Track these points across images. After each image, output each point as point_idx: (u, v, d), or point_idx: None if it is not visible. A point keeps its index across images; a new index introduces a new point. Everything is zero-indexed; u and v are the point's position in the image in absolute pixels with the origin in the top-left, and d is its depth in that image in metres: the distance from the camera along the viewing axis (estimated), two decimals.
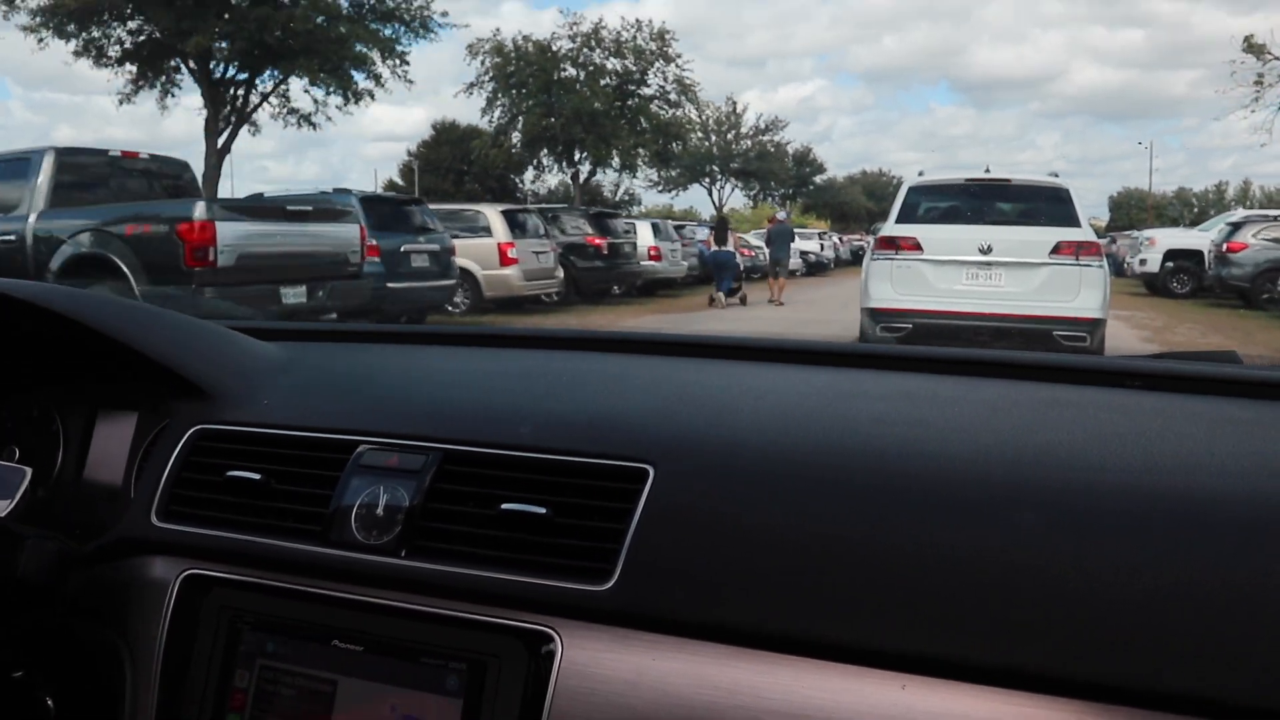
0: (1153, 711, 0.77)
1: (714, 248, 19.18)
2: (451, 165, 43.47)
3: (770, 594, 0.89)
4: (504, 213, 16.09)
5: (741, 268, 19.65)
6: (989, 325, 8.77)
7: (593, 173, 37.29)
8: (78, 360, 1.40)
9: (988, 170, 10.01)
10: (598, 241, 18.41)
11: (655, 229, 21.95)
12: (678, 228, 25.26)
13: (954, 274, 9.00)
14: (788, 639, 0.88)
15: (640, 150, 35.43)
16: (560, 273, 17.07)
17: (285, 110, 26.23)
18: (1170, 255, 21.04)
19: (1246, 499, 0.84)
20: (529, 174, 38.78)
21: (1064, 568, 0.82)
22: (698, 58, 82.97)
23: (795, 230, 23.48)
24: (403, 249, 12.20)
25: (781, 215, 21.78)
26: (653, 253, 21.21)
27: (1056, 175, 9.76)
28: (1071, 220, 9.06)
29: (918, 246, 9.12)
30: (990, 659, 0.81)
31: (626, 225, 20.33)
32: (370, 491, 1.07)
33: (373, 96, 25.91)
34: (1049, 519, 0.85)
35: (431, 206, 16.20)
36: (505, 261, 15.58)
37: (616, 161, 35.83)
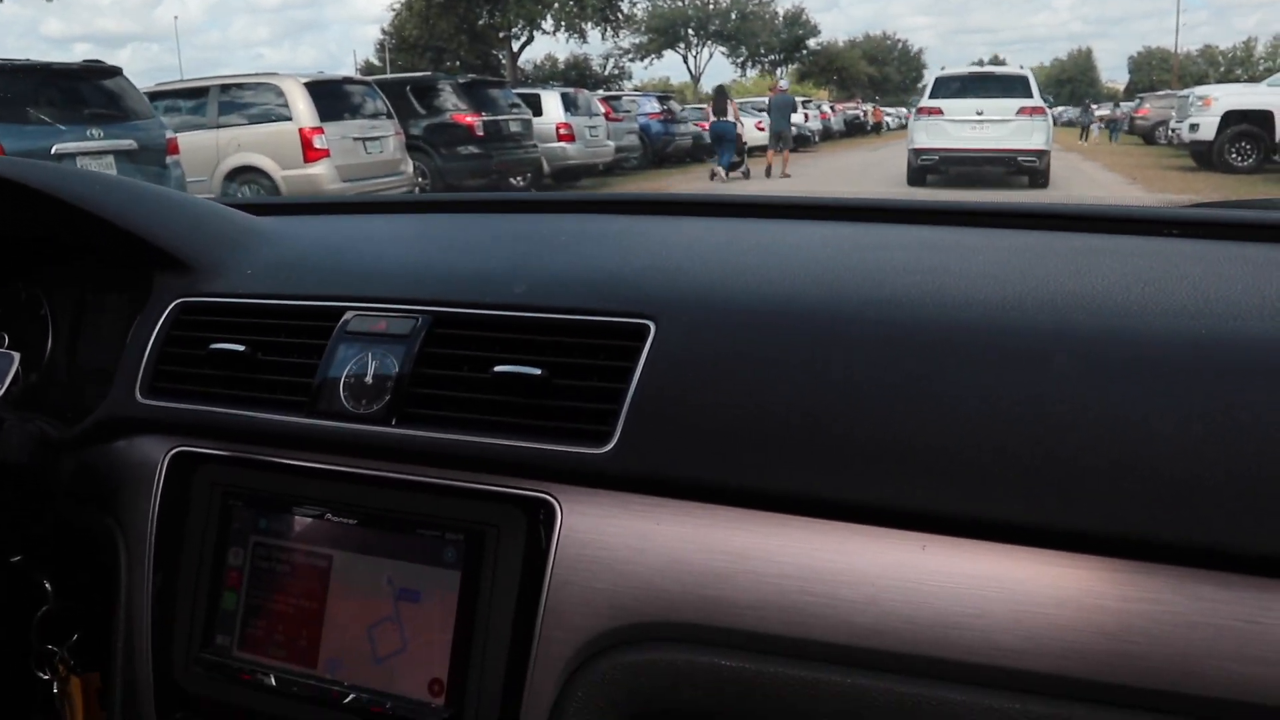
0: (1201, 570, 0.74)
1: (713, 118, 18.26)
2: (428, 42, 37.78)
3: (781, 452, 0.86)
4: (311, 85, 11.45)
5: (743, 139, 18.78)
6: (981, 156, 15.28)
7: (530, 39, 31.95)
8: (63, 240, 1.38)
9: (982, 63, 20.50)
10: (468, 120, 13.76)
11: (567, 101, 17.30)
12: (611, 99, 20.63)
13: (961, 127, 15.25)
14: (800, 499, 0.85)
15: (578, 5, 29.78)
16: (408, 165, 12.53)
17: None
18: (1230, 118, 16.64)
19: None
20: (514, 45, 32.95)
21: (1104, 418, 0.78)
22: None
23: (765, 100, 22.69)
24: (55, 150, 7.74)
25: (783, 84, 21.01)
26: (563, 132, 16.66)
27: (1022, 67, 17.38)
28: (1029, 94, 15.36)
29: (940, 111, 15.42)
30: (1019, 516, 0.78)
31: (516, 99, 15.56)
32: (358, 359, 1.04)
33: None
34: (1086, 365, 0.81)
35: (212, 80, 11.66)
36: (311, 155, 11.10)
37: (550, 23, 30.40)
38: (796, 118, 28.10)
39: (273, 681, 1.02)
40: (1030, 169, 14.99)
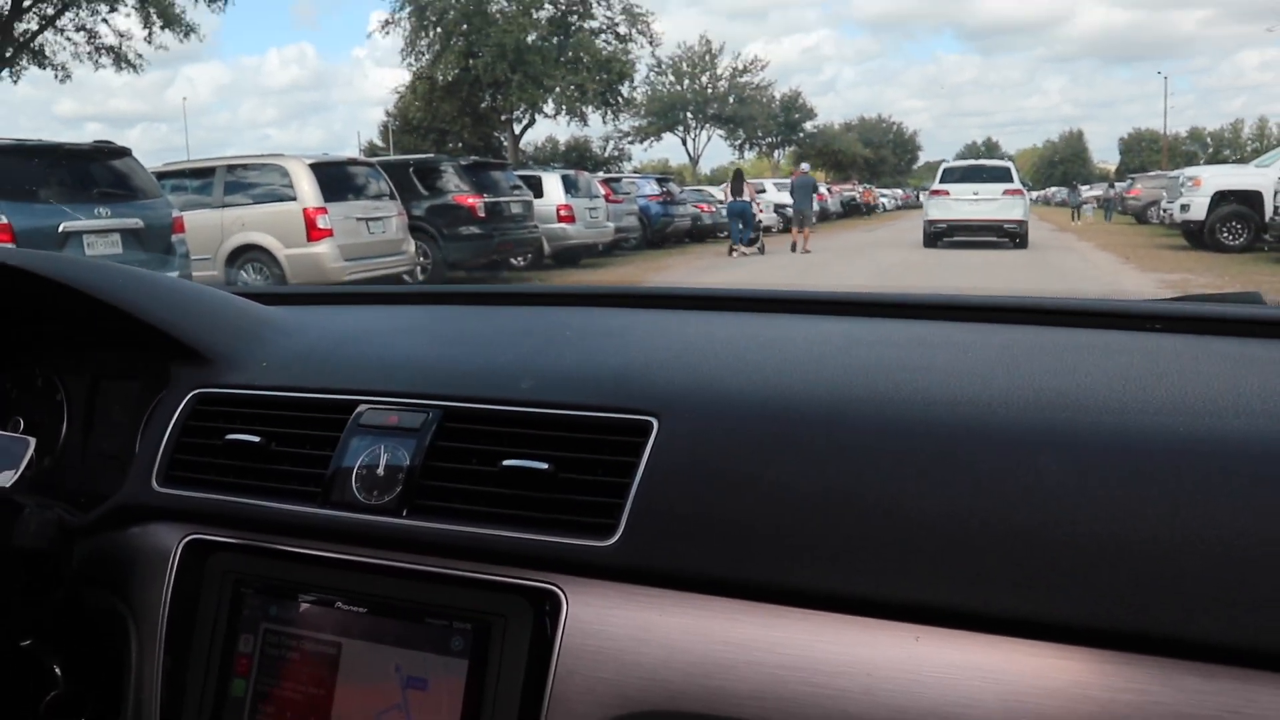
0: (1185, 661, 0.76)
1: (730, 198, 20.11)
2: (431, 124, 38.30)
3: (779, 546, 0.88)
4: (315, 167, 11.60)
5: (759, 218, 20.87)
6: (977, 224, 20.74)
7: (532, 121, 32.43)
8: (79, 328, 1.41)
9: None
10: (470, 202, 13.94)
11: (568, 183, 17.47)
12: (611, 180, 20.88)
13: (961, 204, 20.85)
14: (798, 592, 0.87)
15: (579, 90, 30.33)
16: (410, 245, 12.65)
17: (93, 47, 21.36)
18: (1220, 198, 16.89)
19: (1277, 441, 0.81)
20: (516, 128, 33.29)
21: (1088, 514, 0.80)
22: (698, 11, 77.66)
23: (778, 182, 26.88)
24: (63, 228, 7.82)
25: (805, 167, 22.66)
26: (563, 213, 16.82)
27: (1008, 159, 25.75)
28: (1011, 179, 21.51)
29: (947, 192, 21.18)
30: (1006, 608, 0.80)
31: (517, 180, 15.76)
32: (371, 451, 1.07)
33: (193, 31, 21.07)
34: (1070, 463, 0.83)
35: (219, 160, 11.85)
36: (315, 234, 11.22)
37: (551, 106, 30.89)
38: (788, 198, 28.91)
39: None
40: (1012, 233, 20.78)
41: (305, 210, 11.19)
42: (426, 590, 1.00)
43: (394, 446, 1.05)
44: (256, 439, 1.13)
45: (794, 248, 19.85)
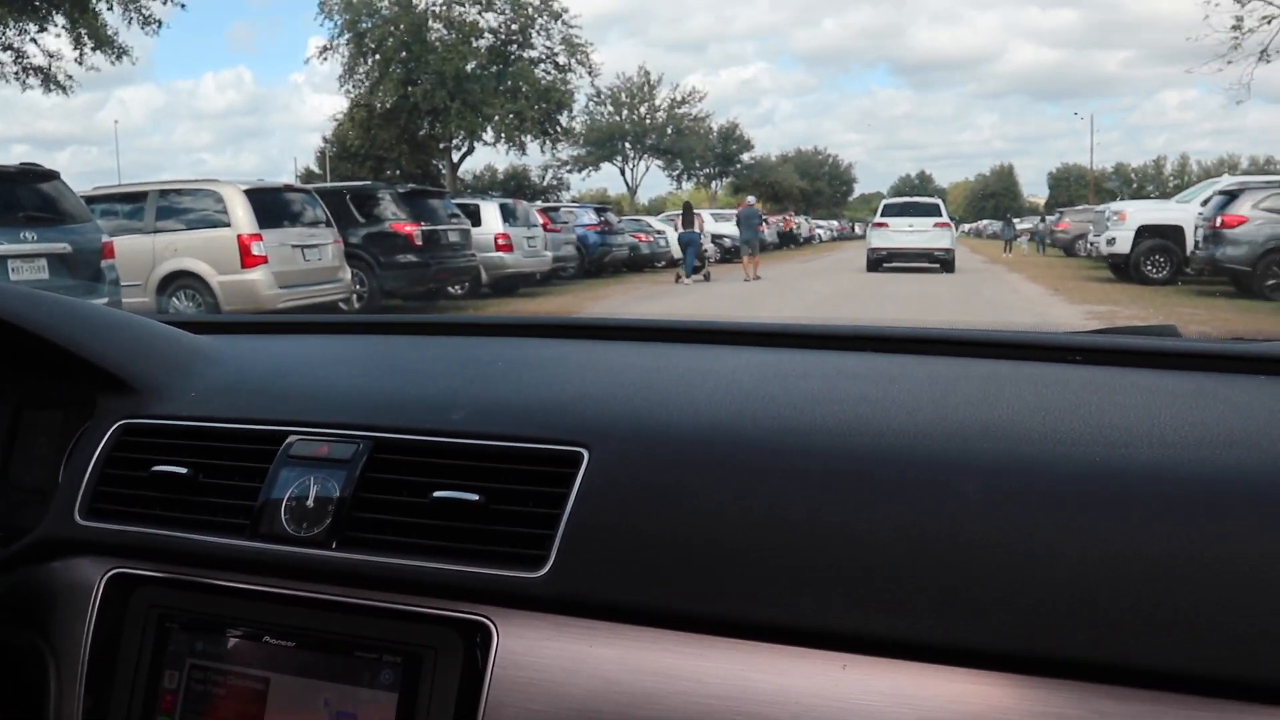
0: (1098, 685, 0.78)
1: (681, 229, 21.31)
2: (369, 151, 37.92)
3: (708, 576, 0.88)
4: (250, 193, 11.46)
5: (706, 248, 22.14)
6: (912, 251, 23.75)
7: (470, 149, 32.38)
8: (1, 355, 1.36)
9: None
10: (407, 230, 13.85)
11: (505, 211, 17.44)
12: (549, 209, 20.94)
13: (899, 234, 24.06)
14: (726, 622, 0.87)
15: (518, 119, 30.36)
16: (346, 273, 12.53)
17: (20, 67, 20.91)
18: (1144, 232, 17.36)
19: (1188, 470, 0.84)
20: (455, 155, 33.11)
21: (1007, 542, 0.82)
22: (637, 43, 78.14)
23: (716, 213, 29.69)
24: None
25: (750, 200, 25.49)
26: (501, 242, 16.79)
27: (936, 197, 33.01)
28: (940, 214, 24.98)
29: (887, 225, 24.51)
30: (933, 636, 0.81)
31: (455, 209, 15.72)
32: (300, 483, 1.05)
33: (125, 54, 20.77)
34: (992, 492, 0.85)
35: (151, 185, 11.68)
36: (249, 261, 11.07)
37: (490, 134, 30.88)
38: (728, 229, 29.57)
39: None
40: (941, 259, 24.12)
41: (239, 236, 11.06)
42: (356, 623, 1.00)
43: (324, 478, 1.04)
44: (184, 470, 1.11)
45: (746, 277, 20.57)
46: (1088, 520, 0.81)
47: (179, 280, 11.24)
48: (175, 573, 1.08)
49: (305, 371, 1.32)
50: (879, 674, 0.83)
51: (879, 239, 24.54)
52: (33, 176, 8.66)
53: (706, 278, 20.56)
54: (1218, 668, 0.75)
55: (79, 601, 1.10)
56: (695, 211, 21.92)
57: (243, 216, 11.15)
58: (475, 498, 0.98)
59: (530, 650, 0.92)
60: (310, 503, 1.04)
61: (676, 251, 22.95)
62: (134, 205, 11.59)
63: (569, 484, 0.96)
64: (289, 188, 12.83)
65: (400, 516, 1.01)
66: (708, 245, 23.02)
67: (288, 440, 1.09)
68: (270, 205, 11.56)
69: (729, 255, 28.16)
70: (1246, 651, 0.74)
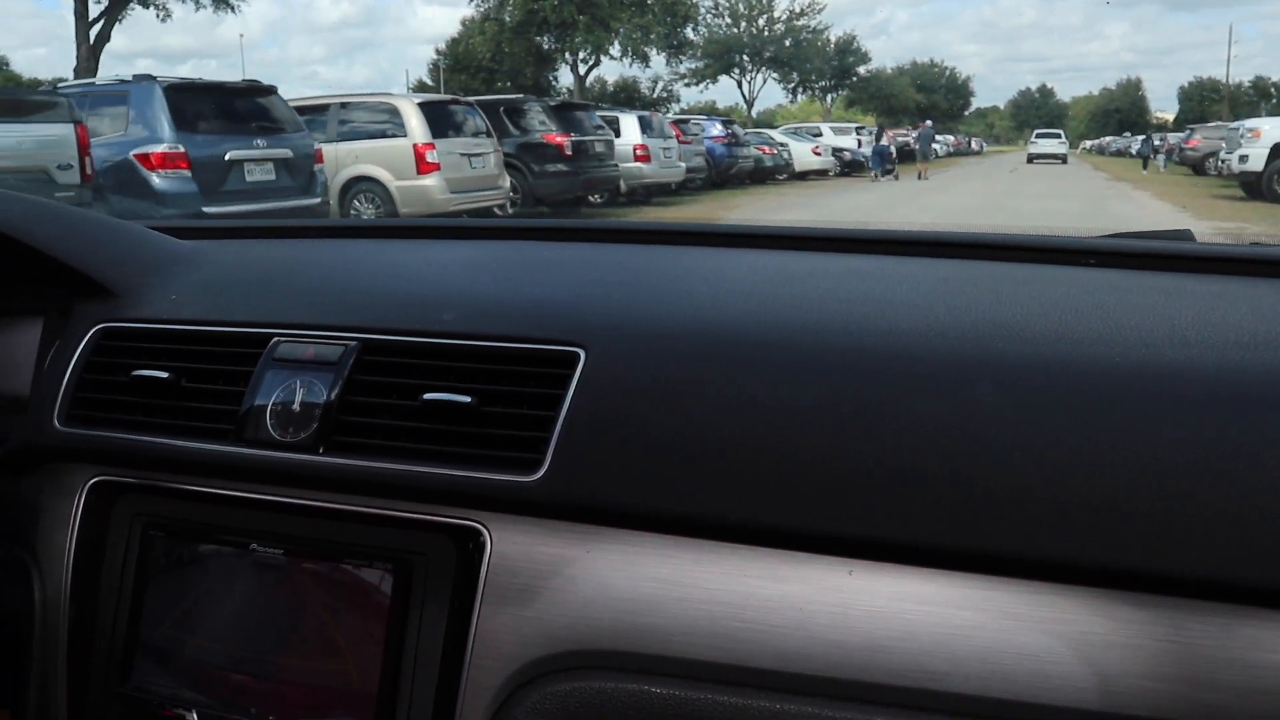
0: (1115, 590, 0.75)
1: (876, 143, 28.92)
2: (481, 63, 39.29)
3: (709, 480, 0.85)
4: (423, 105, 12.47)
5: (894, 154, 28.54)
6: (1048, 155, 48.92)
7: (596, 63, 33.00)
8: None
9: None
10: (558, 140, 14.74)
11: (644, 124, 18.18)
12: (679, 121, 21.51)
13: (1040, 145, 51.31)
14: (728, 526, 0.85)
15: (644, 32, 30.89)
16: (505, 181, 13.51)
17: None
18: (1279, 150, 17.02)
19: (1209, 370, 0.81)
20: (563, 69, 33.94)
21: (1022, 443, 0.79)
22: None
23: (835, 126, 34.92)
24: (229, 156, 8.76)
25: (928, 123, 35.09)
26: (639, 152, 17.53)
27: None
28: (1062, 138, 53.28)
29: (1036, 142, 53.90)
30: (943, 541, 0.79)
31: (600, 120, 16.56)
32: (286, 386, 1.01)
33: None
34: (1005, 392, 0.82)
35: (332, 98, 12.71)
36: (424, 168, 12.08)
37: (617, 49, 31.50)
38: (848, 143, 31.60)
39: (195, 718, 1.00)
40: (1061, 157, 46.13)
41: (415, 145, 12.02)
42: (345, 530, 0.98)
43: (310, 381, 1.01)
44: (165, 375, 1.07)
45: (919, 175, 27.71)
46: (1105, 421, 0.78)
47: (360, 185, 12.28)
48: (159, 480, 1.06)
49: (291, 274, 1.28)
50: (886, 579, 0.81)
51: (1032, 148, 48.54)
52: (255, 91, 9.81)
53: (895, 177, 26.86)
54: (1238, 572, 0.72)
55: (61, 510, 1.09)
56: (886, 130, 32.72)
57: (417, 127, 12.13)
58: (467, 400, 0.95)
59: (525, 556, 0.90)
60: (296, 406, 1.00)
61: (798, 165, 26.86)
62: (317, 116, 12.66)
63: (565, 385, 0.93)
64: (455, 101, 13.75)
65: (390, 420, 0.98)
66: (843, 156, 29.35)
67: (272, 342, 1.05)
68: (440, 117, 12.49)
69: (847, 170, 29.40)
70: (1268, 556, 0.72)
